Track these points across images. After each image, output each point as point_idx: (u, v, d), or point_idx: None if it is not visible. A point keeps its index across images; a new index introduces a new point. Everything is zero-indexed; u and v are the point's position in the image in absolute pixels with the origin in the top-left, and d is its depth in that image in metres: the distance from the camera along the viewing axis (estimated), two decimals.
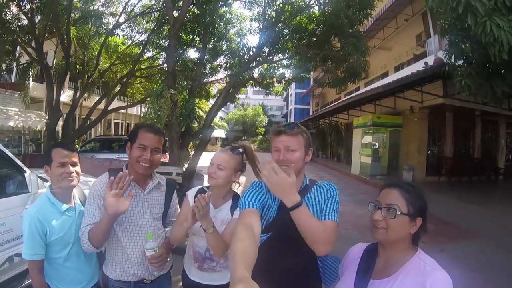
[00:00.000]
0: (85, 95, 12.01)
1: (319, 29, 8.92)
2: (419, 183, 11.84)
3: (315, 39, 9.08)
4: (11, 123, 11.25)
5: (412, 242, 1.33)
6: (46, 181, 3.68)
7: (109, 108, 12.62)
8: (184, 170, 7.86)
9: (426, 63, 9.13)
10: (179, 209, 2.20)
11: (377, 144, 14.83)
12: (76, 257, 1.93)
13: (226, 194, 1.93)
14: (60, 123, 11.35)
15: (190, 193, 2.03)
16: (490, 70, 5.39)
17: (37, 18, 9.76)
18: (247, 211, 1.49)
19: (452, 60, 5.83)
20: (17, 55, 10.94)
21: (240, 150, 1.90)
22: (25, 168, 3.21)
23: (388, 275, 1.28)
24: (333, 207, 1.59)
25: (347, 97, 18.08)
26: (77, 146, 13.16)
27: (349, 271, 1.45)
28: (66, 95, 14.09)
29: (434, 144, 14.05)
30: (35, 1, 9.11)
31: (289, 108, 48.37)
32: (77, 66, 11.90)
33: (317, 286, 1.72)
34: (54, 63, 12.11)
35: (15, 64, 11.56)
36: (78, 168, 1.93)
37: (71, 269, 1.91)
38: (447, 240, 5.78)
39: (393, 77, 13.30)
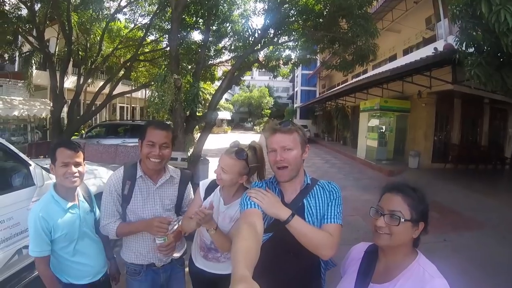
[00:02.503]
0: (89, 80, 11.90)
1: (326, 10, 8.66)
2: (425, 170, 11.94)
3: (322, 21, 8.84)
4: (16, 113, 11.28)
5: (413, 245, 1.34)
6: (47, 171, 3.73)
7: (114, 92, 12.52)
8: (189, 155, 7.87)
9: (435, 48, 8.92)
10: None
11: (383, 128, 14.72)
12: (84, 252, 2.02)
13: (237, 192, 1.92)
14: (65, 109, 11.34)
15: (202, 185, 2.08)
16: (501, 60, 5.24)
17: (37, 6, 9.62)
18: (249, 211, 1.50)
19: (463, 48, 5.68)
20: (19, 45, 10.87)
21: (245, 154, 1.83)
22: (30, 161, 3.23)
23: (387, 280, 1.28)
24: (336, 210, 1.57)
25: (354, 80, 17.84)
26: (83, 132, 13.23)
27: (350, 272, 1.46)
28: (70, 81, 14.02)
29: (441, 130, 13.85)
30: None
31: (295, 89, 47.87)
32: (80, 52, 11.73)
33: (318, 286, 1.72)
34: (56, 50, 11.95)
35: (17, 53, 11.54)
36: (81, 168, 1.98)
37: (79, 263, 2.00)
38: (451, 230, 5.79)
39: (402, 60, 13.06)
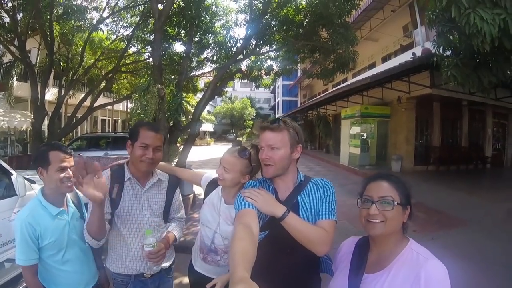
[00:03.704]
0: (70, 92, 11.76)
1: (306, 20, 8.83)
2: (408, 173, 12.16)
3: (302, 30, 9.00)
4: None
5: (403, 232, 1.35)
6: (34, 182, 3.60)
7: (95, 105, 12.40)
8: (173, 165, 7.78)
9: (414, 53, 9.21)
10: (183, 207, 2.26)
11: (365, 134, 15.01)
12: (73, 260, 1.91)
13: (237, 193, 1.83)
14: (46, 122, 11.10)
15: (205, 179, 2.12)
16: (477, 60, 5.45)
17: (19, 16, 9.48)
18: (244, 211, 1.49)
19: (440, 51, 5.88)
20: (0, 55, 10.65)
21: (247, 153, 1.82)
22: (12, 171, 3.13)
23: (381, 268, 1.28)
24: (330, 206, 1.59)
25: (334, 88, 18.19)
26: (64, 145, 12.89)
27: (342, 267, 1.46)
28: (51, 93, 13.79)
29: (422, 134, 14.27)
30: None
31: (277, 100, 48.40)
32: (61, 63, 11.55)
33: (316, 282, 1.72)
34: (37, 61, 11.78)
35: None
36: None
37: (69, 272, 1.89)
38: (438, 229, 5.89)
39: (380, 68, 13.42)
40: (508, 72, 5.27)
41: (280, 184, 1.66)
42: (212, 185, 2.05)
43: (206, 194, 2.06)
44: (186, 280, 3.80)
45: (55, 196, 1.88)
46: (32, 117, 10.88)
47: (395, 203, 1.26)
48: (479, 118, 15.22)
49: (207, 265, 1.95)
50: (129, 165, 1.98)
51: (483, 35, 4.23)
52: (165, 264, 2.07)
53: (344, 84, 16.09)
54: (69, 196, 2.01)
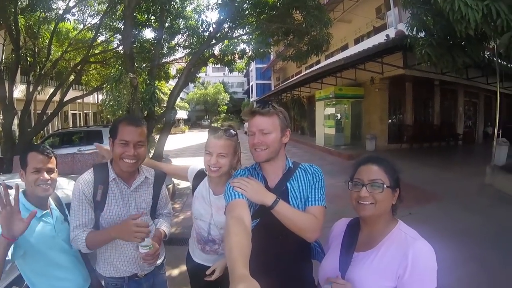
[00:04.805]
0: (39, 88, 11.13)
1: (280, 2, 8.74)
2: (382, 151, 12.51)
3: (276, 13, 8.92)
4: None
5: (392, 214, 1.40)
6: (10, 188, 3.41)
7: (65, 99, 11.90)
8: (150, 156, 7.66)
9: (387, 35, 9.35)
10: (170, 202, 2.21)
11: (339, 115, 15.28)
12: (65, 265, 1.83)
13: (225, 182, 1.78)
14: (16, 121, 10.55)
15: (190, 172, 2.07)
16: (451, 42, 5.58)
17: None
18: (234, 202, 1.48)
19: (414, 32, 5.98)
20: None
21: (233, 132, 1.82)
22: None
23: (371, 247, 1.34)
24: (320, 192, 1.59)
25: (308, 71, 18.24)
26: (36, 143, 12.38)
27: (334, 246, 1.51)
28: (18, 90, 13.01)
29: (395, 113, 14.71)
30: None
31: (250, 84, 48.07)
32: (28, 58, 10.83)
33: (308, 267, 1.75)
34: (3, 58, 11.09)
35: None
36: (54, 175, 1.81)
37: (61, 279, 1.81)
38: (414, 204, 6.06)
39: (353, 49, 13.55)
40: (481, 54, 5.43)
41: (270, 171, 1.65)
42: (198, 177, 2.02)
43: (194, 187, 2.03)
44: (176, 272, 3.82)
45: (37, 198, 1.78)
46: (1, 117, 10.33)
47: (385, 186, 1.30)
48: (450, 97, 15.75)
49: (206, 254, 1.96)
50: (113, 164, 1.86)
51: (467, 21, 4.32)
52: (158, 262, 2.00)
53: (317, 66, 16.13)
54: (51, 199, 1.91)
